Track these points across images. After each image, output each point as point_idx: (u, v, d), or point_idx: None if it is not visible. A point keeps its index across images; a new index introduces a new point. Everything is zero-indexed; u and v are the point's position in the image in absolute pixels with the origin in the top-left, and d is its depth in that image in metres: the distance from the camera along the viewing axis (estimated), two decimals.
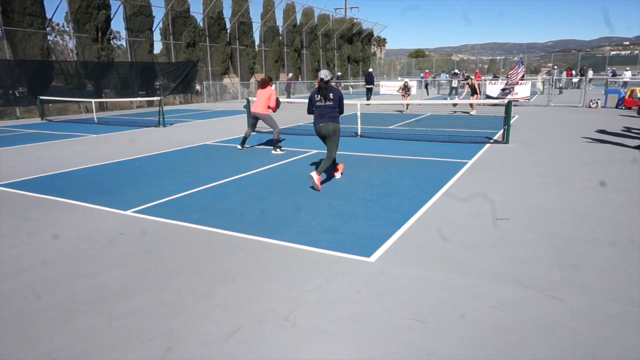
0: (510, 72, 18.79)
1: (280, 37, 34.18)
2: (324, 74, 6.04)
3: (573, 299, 2.92)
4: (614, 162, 7.25)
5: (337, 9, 45.30)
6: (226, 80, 29.90)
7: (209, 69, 28.17)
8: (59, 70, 19.52)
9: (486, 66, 69.29)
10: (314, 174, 5.74)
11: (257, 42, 32.42)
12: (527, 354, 2.37)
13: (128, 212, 4.99)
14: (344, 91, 33.29)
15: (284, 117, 13.29)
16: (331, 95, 6.00)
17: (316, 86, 6.26)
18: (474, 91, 16.40)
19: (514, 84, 18.20)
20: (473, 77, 19.12)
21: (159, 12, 38.71)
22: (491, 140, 9.61)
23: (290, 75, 31.89)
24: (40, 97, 17.10)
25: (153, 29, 23.93)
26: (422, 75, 38.42)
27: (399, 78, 39.46)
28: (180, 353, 2.44)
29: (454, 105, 18.05)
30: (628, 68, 33.46)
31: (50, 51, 19.74)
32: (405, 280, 3.23)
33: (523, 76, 19.13)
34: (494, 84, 20.03)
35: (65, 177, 7.01)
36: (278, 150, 8.67)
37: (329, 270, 3.42)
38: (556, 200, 5.15)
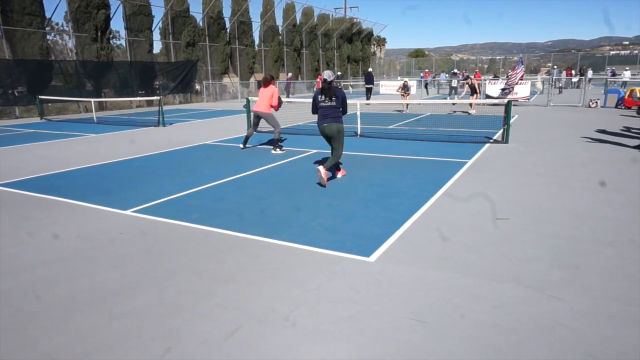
0: (511, 73, 18.79)
1: (280, 37, 34.17)
2: (328, 74, 6.15)
3: (573, 298, 2.92)
4: (613, 162, 7.26)
5: (336, 8, 45.31)
6: (226, 80, 29.88)
7: (209, 68, 28.17)
8: (58, 69, 19.50)
9: (486, 66, 69.33)
10: (321, 168, 5.86)
11: (256, 41, 32.43)
12: (527, 353, 2.37)
13: (128, 212, 4.99)
14: (344, 91, 33.29)
15: (284, 116, 13.28)
16: (334, 96, 6.07)
17: (316, 87, 6.30)
18: (473, 91, 16.41)
19: (513, 84, 18.22)
20: (472, 76, 19.12)
21: (158, 12, 38.59)
22: (491, 140, 9.61)
23: (290, 74, 31.88)
24: (40, 97, 17.08)
25: (152, 28, 23.92)
26: (421, 74, 38.44)
27: (399, 78, 39.47)
28: (180, 353, 2.44)
29: (453, 104, 18.06)
30: (627, 68, 33.47)
31: (50, 51, 19.72)
32: (405, 280, 3.23)
33: (522, 76, 19.13)
34: (494, 83, 20.04)
35: (64, 176, 7.01)
36: (278, 150, 8.66)
37: (329, 270, 3.42)
38: (556, 200, 5.16)
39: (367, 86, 21.91)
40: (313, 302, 2.95)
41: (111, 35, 21.87)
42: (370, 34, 48.47)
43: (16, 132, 13.10)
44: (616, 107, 17.21)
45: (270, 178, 6.62)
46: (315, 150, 8.78)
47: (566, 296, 2.95)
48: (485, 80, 22.62)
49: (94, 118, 16.15)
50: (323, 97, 6.12)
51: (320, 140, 6.89)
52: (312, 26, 37.27)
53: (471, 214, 4.68)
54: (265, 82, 8.75)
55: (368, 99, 20.29)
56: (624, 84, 26.98)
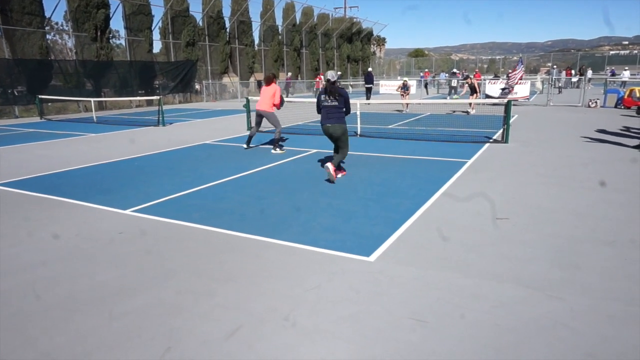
0: (512, 74, 18.80)
1: (280, 37, 34.16)
2: (331, 74, 6.22)
3: (573, 298, 2.92)
4: (613, 162, 7.26)
5: (336, 8, 45.32)
6: (225, 80, 29.86)
7: (209, 68, 28.15)
8: (58, 69, 19.49)
9: (485, 66, 69.36)
10: (330, 165, 6.00)
11: (256, 41, 32.42)
12: (527, 353, 2.37)
13: (127, 212, 4.99)
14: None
15: (283, 116, 13.27)
16: (337, 96, 6.13)
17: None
18: (473, 90, 16.41)
19: (513, 84, 18.23)
20: (472, 76, 19.12)
21: (158, 11, 38.60)
22: (491, 140, 9.61)
23: (290, 74, 31.87)
24: (39, 96, 17.08)
25: (152, 28, 23.91)
26: (421, 74, 38.43)
27: (399, 77, 39.44)
28: (180, 352, 2.44)
29: (453, 104, 18.06)
30: (627, 67, 33.50)
31: (49, 50, 19.71)
32: (405, 280, 3.23)
33: (522, 77, 19.14)
34: (494, 83, 20.05)
35: (64, 176, 7.00)
36: (278, 149, 8.65)
37: (329, 270, 3.42)
38: (556, 200, 5.16)
39: (366, 86, 21.90)
40: (313, 301, 2.95)
41: (111, 35, 21.87)
42: (370, 33, 48.46)
43: (16, 132, 13.09)
44: (616, 107, 17.21)
45: (271, 178, 6.62)
46: (315, 150, 8.78)
47: (566, 296, 2.95)
48: (484, 80, 22.62)
49: (94, 118, 16.14)
50: (326, 96, 6.18)
51: (320, 140, 6.90)
52: (311, 26, 37.26)
53: (471, 214, 4.68)
54: (267, 81, 8.71)
55: (368, 98, 20.28)
56: (624, 83, 27.00)
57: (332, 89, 6.13)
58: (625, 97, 16.95)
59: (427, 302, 2.91)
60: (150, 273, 3.44)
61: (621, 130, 11.09)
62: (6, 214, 5.01)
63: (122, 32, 23.18)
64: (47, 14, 19.32)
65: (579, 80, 29.25)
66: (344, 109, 6.24)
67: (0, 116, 17.64)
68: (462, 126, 12.19)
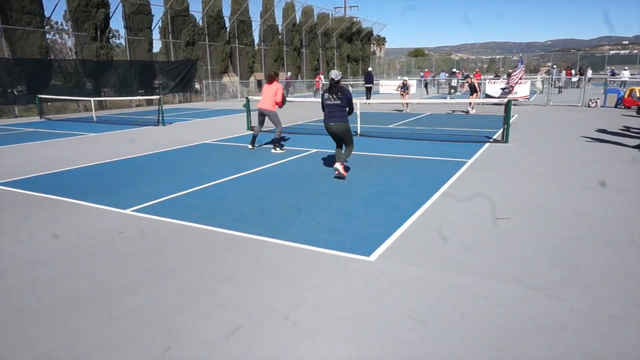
0: (514, 74, 18.79)
1: (280, 36, 34.14)
2: (335, 73, 6.33)
3: (573, 298, 2.92)
4: (613, 162, 7.26)
5: (336, 7, 45.26)
6: (225, 79, 29.85)
7: (209, 67, 28.14)
8: (57, 68, 19.48)
9: (485, 65, 69.36)
10: (338, 165, 6.22)
11: (256, 40, 32.40)
12: (527, 353, 2.37)
13: (127, 211, 4.99)
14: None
15: (283, 116, 13.27)
16: (340, 95, 6.23)
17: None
18: (473, 90, 16.41)
19: (513, 84, 18.23)
20: (472, 76, 19.13)
21: (158, 11, 38.56)
22: (491, 140, 9.61)
23: (289, 74, 31.86)
24: (39, 96, 17.06)
25: (152, 27, 23.89)
26: (421, 74, 38.41)
27: (399, 77, 39.43)
28: (180, 352, 2.44)
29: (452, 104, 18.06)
30: (626, 67, 33.51)
31: (49, 50, 19.69)
32: (405, 280, 3.23)
33: (522, 76, 19.13)
34: (494, 83, 20.05)
35: (64, 175, 7.00)
36: (278, 149, 8.64)
37: (329, 269, 3.42)
38: (556, 200, 5.16)
39: (366, 85, 21.90)
40: (313, 301, 2.95)
41: (111, 35, 21.85)
42: (370, 33, 48.43)
43: (16, 131, 13.09)
44: (616, 106, 17.21)
45: (271, 177, 6.62)
46: (315, 150, 8.78)
47: (566, 296, 2.95)
48: (485, 79, 22.63)
49: (94, 117, 16.14)
50: (329, 95, 6.29)
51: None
52: (311, 25, 37.24)
53: (471, 214, 4.68)
54: (269, 79, 8.69)
55: (368, 98, 20.28)
56: (624, 83, 27.01)
57: (335, 88, 6.25)
58: (626, 96, 16.96)
59: (427, 302, 2.91)
60: (150, 272, 3.44)
61: (621, 130, 11.09)
62: (6, 214, 5.01)
63: (122, 32, 23.18)
64: (47, 14, 19.32)
65: (579, 80, 29.26)
66: (347, 108, 6.34)
67: (0, 116, 17.63)
68: (462, 126, 12.19)
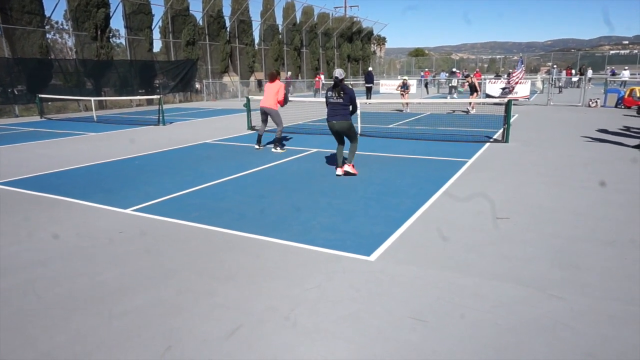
0: (514, 74, 18.78)
1: (280, 36, 34.14)
2: (339, 72, 6.43)
3: (573, 298, 2.92)
4: (614, 162, 7.26)
5: (336, 7, 45.27)
6: (226, 79, 29.85)
7: (209, 67, 28.14)
8: (58, 68, 19.48)
9: (486, 65, 69.34)
10: (347, 167, 6.42)
11: (256, 40, 32.40)
12: (527, 353, 2.37)
13: (128, 211, 4.99)
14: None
15: (283, 115, 13.27)
16: (343, 94, 6.30)
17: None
18: (473, 90, 16.40)
19: (514, 84, 18.23)
20: (472, 75, 19.12)
21: (158, 11, 38.54)
22: (491, 140, 9.60)
23: (289, 73, 31.86)
24: (40, 95, 17.06)
25: (152, 27, 23.88)
26: (421, 74, 38.39)
27: (399, 77, 39.41)
28: (180, 352, 2.44)
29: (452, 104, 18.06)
30: (627, 67, 33.50)
31: (49, 49, 19.69)
32: (406, 279, 3.23)
33: (522, 77, 19.12)
34: (494, 82, 20.04)
35: (64, 175, 7.00)
36: (278, 148, 8.64)
37: (329, 269, 3.42)
38: (556, 200, 5.15)
39: (367, 85, 21.89)
40: (313, 301, 2.95)
41: (111, 34, 21.84)
42: (370, 33, 48.41)
43: (16, 131, 13.09)
44: (616, 106, 17.21)
45: (271, 177, 6.62)
46: (315, 150, 8.78)
47: (566, 296, 2.95)
48: (485, 79, 22.62)
49: (94, 117, 16.14)
50: (332, 93, 6.36)
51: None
52: (312, 25, 37.23)
53: (471, 214, 4.68)
54: (271, 77, 8.67)
55: (368, 98, 20.28)
56: (624, 83, 27.00)
57: (339, 86, 6.31)
58: (626, 96, 16.95)
59: (427, 302, 2.91)
60: (150, 272, 3.44)
61: (621, 129, 11.08)
62: (6, 213, 5.01)
63: (122, 31, 23.17)
64: (47, 13, 19.32)
65: (579, 79, 29.25)
66: (350, 106, 6.40)
67: (1, 115, 17.63)
68: (462, 126, 12.18)
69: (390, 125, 12.88)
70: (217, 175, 6.72)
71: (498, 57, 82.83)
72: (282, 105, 8.71)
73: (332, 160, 7.58)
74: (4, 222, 4.68)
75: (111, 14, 21.30)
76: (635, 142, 9.05)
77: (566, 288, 3.05)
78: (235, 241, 4.05)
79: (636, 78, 29.30)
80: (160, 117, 13.89)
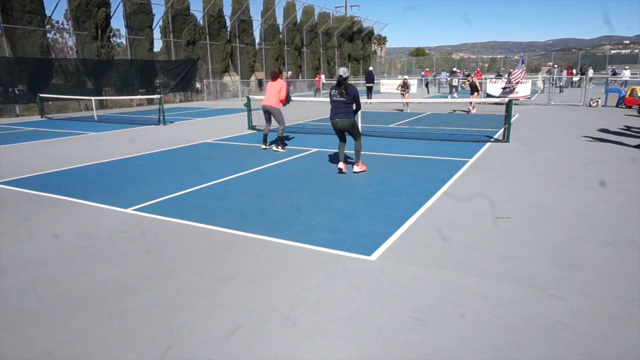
0: (514, 74, 18.76)
1: (281, 35, 34.14)
2: (343, 71, 6.47)
3: (573, 298, 2.92)
4: (614, 161, 7.25)
5: (337, 7, 45.22)
6: (226, 79, 29.86)
7: (209, 67, 28.14)
8: (58, 68, 19.50)
9: (487, 65, 69.30)
10: (355, 167, 6.58)
11: (257, 40, 32.41)
12: (527, 353, 2.37)
13: (128, 210, 4.99)
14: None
15: (284, 115, 13.27)
16: (347, 92, 6.35)
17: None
18: (474, 89, 16.39)
19: (514, 84, 18.22)
20: (473, 75, 19.11)
21: (159, 10, 38.56)
22: (492, 139, 9.60)
23: (290, 73, 31.85)
24: (40, 95, 17.08)
25: (153, 26, 23.89)
26: (422, 73, 38.36)
27: (399, 77, 39.37)
28: (180, 352, 2.44)
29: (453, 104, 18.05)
30: (627, 67, 33.47)
31: (50, 49, 19.70)
32: (406, 279, 3.23)
33: (523, 76, 19.10)
34: (495, 82, 20.03)
35: (65, 174, 7.01)
36: (279, 148, 8.63)
37: (329, 269, 3.42)
38: (557, 199, 5.15)
39: (367, 85, 21.89)
40: (313, 300, 2.95)
41: (111, 34, 21.85)
42: (371, 32, 48.41)
43: (17, 130, 13.10)
44: (617, 106, 17.19)
45: (271, 177, 6.62)
46: (316, 149, 8.77)
47: (566, 296, 2.95)
48: (485, 79, 22.60)
49: (95, 116, 16.15)
50: (336, 91, 6.41)
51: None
52: (312, 25, 37.22)
53: (472, 213, 4.68)
54: (273, 76, 8.63)
55: (369, 98, 20.27)
56: (625, 83, 26.97)
57: (342, 85, 6.35)
58: (627, 96, 16.93)
59: (427, 302, 2.91)
60: (151, 272, 3.44)
61: (622, 129, 11.07)
62: (6, 213, 5.01)
63: (123, 31, 23.20)
64: (48, 13, 19.34)
65: (580, 79, 29.22)
66: (353, 105, 6.45)
67: (1, 115, 17.64)
68: (463, 125, 12.18)
69: (391, 125, 12.87)
70: (218, 175, 6.72)
71: (499, 56, 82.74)
72: (284, 104, 8.66)
73: (333, 160, 7.58)
74: (4, 222, 4.69)
75: (112, 14, 21.32)
76: (636, 141, 9.04)
77: (566, 288, 3.05)
78: (236, 241, 4.05)
79: (637, 78, 29.25)
80: (161, 117, 13.89)
